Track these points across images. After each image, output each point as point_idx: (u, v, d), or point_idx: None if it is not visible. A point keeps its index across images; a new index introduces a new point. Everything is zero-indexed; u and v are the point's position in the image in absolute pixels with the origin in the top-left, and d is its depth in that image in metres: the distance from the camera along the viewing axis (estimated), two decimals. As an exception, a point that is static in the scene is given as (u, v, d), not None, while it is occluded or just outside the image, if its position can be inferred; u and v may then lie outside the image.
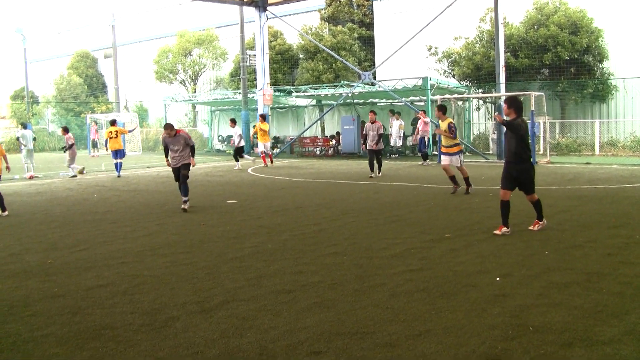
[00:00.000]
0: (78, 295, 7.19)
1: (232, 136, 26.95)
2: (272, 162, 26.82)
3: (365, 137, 20.11)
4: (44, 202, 16.63)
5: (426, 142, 26.33)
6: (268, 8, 34.55)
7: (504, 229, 9.91)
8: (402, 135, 29.73)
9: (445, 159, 15.58)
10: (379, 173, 20.39)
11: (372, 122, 19.96)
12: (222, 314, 6.29)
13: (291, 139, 35.54)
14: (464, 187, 15.44)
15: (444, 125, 15.43)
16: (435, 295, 6.73)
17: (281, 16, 36.44)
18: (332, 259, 8.61)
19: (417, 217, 12.08)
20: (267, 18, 34.93)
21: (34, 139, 26.22)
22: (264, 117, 26.79)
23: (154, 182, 20.72)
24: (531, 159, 9.99)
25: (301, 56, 40.34)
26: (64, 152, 24.29)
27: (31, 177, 23.06)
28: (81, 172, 24.55)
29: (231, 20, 42.44)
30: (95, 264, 8.83)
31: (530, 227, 10.26)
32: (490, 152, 29.78)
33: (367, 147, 20.09)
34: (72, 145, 23.78)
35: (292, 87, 36.86)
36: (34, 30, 75.02)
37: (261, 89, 34.12)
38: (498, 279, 7.29)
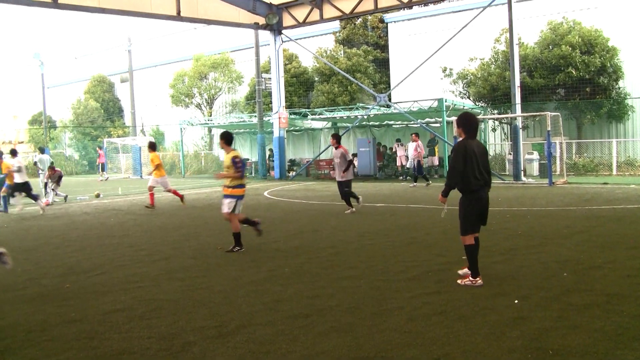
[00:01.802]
0: (95, 320, 7.19)
1: (248, 159, 26.96)
2: (182, 200, 20.52)
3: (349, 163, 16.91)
4: (61, 226, 16.71)
5: (417, 164, 25.94)
6: (283, 31, 34.75)
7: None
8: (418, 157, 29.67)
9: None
10: (358, 203, 17.41)
11: (335, 148, 16.92)
12: (240, 339, 6.26)
13: (307, 161, 35.59)
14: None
15: (227, 159, 11.68)
16: (453, 318, 6.68)
17: (296, 39, 36.65)
18: (349, 282, 8.56)
19: (434, 239, 12.02)
20: (282, 41, 35.12)
21: (52, 164, 26.38)
22: (153, 147, 21.50)
23: (170, 206, 20.78)
24: (467, 191, 8.12)
25: (316, 79, 40.51)
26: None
27: (47, 204, 23.10)
28: (97, 196, 24.65)
29: (246, 44, 42.72)
30: (112, 288, 8.84)
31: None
32: (507, 172, 29.68)
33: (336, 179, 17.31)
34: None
35: (307, 109, 36.97)
36: (52, 55, 75.86)
37: (277, 112, 34.24)
38: (516, 301, 7.22)
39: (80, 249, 12.66)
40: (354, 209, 16.99)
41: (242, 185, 11.62)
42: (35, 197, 20.88)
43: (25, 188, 20.71)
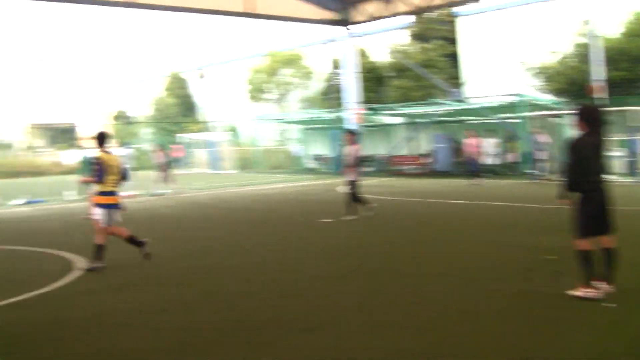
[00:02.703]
0: (183, 310, 7.41)
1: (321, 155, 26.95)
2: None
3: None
4: (145, 218, 17.16)
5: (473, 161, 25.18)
6: (354, 27, 34.68)
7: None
8: (496, 152, 29.22)
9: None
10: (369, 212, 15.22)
11: (349, 145, 15.28)
12: (325, 334, 6.30)
13: (382, 157, 35.50)
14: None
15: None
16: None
17: (367, 34, 36.50)
18: (438, 280, 8.42)
19: (521, 240, 11.78)
20: (354, 37, 35.07)
21: (134, 159, 27.08)
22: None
23: (249, 200, 21.05)
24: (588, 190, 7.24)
25: (389, 74, 40.30)
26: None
27: (130, 197, 23.68)
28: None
29: (319, 40, 42.84)
30: (197, 278, 9.10)
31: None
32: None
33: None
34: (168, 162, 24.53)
35: (381, 105, 36.83)
36: (134, 52, 77.60)
37: (351, 107, 34.25)
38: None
39: (164, 240, 12.94)
40: (355, 217, 14.90)
41: (102, 193, 10.01)
42: None
43: None
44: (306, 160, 41.04)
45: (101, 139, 10.17)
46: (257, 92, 45.59)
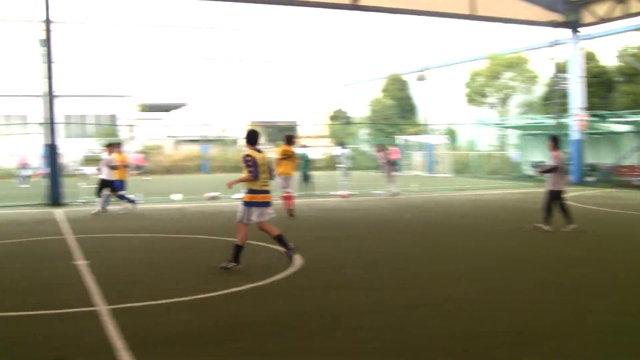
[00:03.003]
0: (398, 313, 7.50)
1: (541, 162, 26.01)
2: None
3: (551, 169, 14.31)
4: (361, 218, 17.57)
5: None
6: (582, 29, 33.11)
7: None
8: None
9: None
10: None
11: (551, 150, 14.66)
12: (544, 350, 6.12)
13: (606, 167, 33.67)
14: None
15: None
16: None
17: (596, 37, 34.70)
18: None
19: None
20: (581, 39, 33.49)
21: (351, 159, 27.74)
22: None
23: (466, 205, 20.83)
24: None
25: (618, 79, 38.04)
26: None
27: (345, 196, 24.34)
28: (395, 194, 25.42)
29: (543, 42, 41.35)
30: (415, 283, 9.15)
31: None
32: None
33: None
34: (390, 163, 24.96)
35: (607, 112, 34.88)
36: (352, 54, 79.65)
37: (575, 114, 32.77)
38: None
39: (381, 242, 13.21)
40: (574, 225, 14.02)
41: (254, 191, 10.06)
42: (121, 197, 19.53)
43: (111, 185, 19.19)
44: (525, 167, 39.88)
45: (251, 137, 10.29)
46: (476, 96, 44.91)
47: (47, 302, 8.16)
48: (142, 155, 43.65)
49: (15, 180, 35.72)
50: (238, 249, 9.97)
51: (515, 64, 43.58)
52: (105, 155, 19.50)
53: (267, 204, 10.19)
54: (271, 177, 10.41)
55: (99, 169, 19.50)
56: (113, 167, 18.97)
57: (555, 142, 14.60)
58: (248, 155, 10.00)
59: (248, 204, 10.06)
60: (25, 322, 7.32)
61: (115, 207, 19.53)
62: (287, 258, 10.46)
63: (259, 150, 10.22)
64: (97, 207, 19.09)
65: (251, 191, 10.03)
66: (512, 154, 43.37)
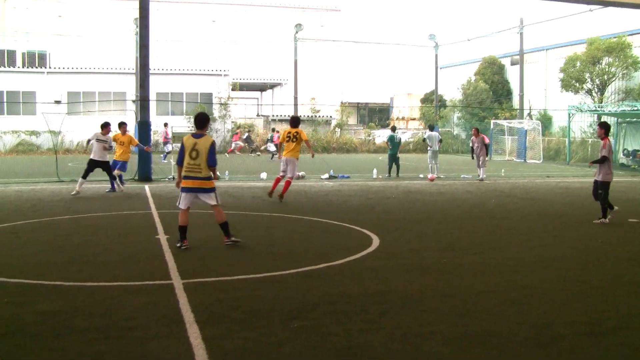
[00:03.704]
0: (468, 298, 7.41)
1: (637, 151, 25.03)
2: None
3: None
4: (444, 202, 17.41)
5: None
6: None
7: None
8: None
9: None
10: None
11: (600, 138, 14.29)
12: (613, 341, 5.97)
13: None
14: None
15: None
16: None
17: None
18: None
19: None
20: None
21: (440, 141, 27.45)
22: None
23: (552, 193, 20.33)
24: None
25: None
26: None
27: (432, 180, 24.15)
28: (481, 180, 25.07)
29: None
30: (488, 269, 9.02)
31: None
32: None
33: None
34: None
35: None
36: (446, 37, 78.65)
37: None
38: None
39: (460, 226, 13.06)
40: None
41: (183, 177, 10.13)
42: (116, 179, 18.66)
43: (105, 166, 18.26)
44: (620, 155, 38.53)
45: (198, 121, 10.23)
46: (572, 81, 43.51)
47: (126, 274, 8.47)
48: (276, 134, 45.26)
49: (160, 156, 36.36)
50: (180, 229, 10.10)
51: (616, 49, 41.89)
52: (99, 134, 18.08)
53: (192, 190, 10.09)
54: (210, 162, 9.98)
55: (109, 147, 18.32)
56: (109, 147, 18.15)
57: (606, 129, 14.00)
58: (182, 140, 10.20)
59: (181, 189, 10.19)
60: (102, 292, 7.61)
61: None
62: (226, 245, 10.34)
63: (199, 135, 10.07)
64: (76, 188, 17.78)
65: (182, 177, 10.11)
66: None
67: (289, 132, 17.03)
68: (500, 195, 19.20)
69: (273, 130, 44.92)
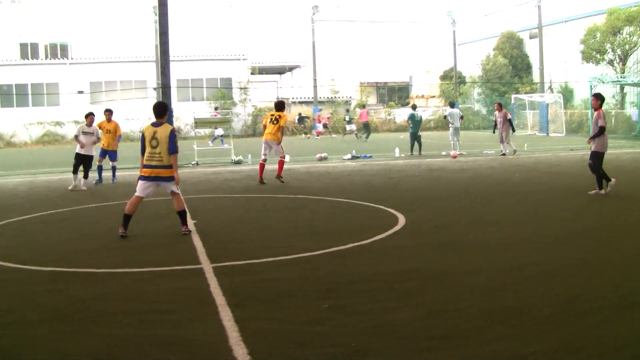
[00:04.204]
0: (493, 275, 7.45)
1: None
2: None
3: None
4: (467, 179, 17.40)
5: None
6: None
7: None
8: None
9: None
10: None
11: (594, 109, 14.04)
12: (636, 315, 5.95)
13: None
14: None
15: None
16: None
17: None
18: None
19: None
20: None
21: (461, 118, 27.38)
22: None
23: (577, 166, 20.21)
24: None
25: None
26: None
27: (455, 156, 24.16)
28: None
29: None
30: (513, 244, 9.04)
31: None
32: None
33: None
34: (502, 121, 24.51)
35: None
36: (464, 13, 77.76)
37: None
38: None
39: (484, 202, 13.09)
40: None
41: (146, 166, 10.10)
42: (86, 176, 17.34)
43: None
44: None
45: (156, 110, 10.41)
46: (593, 52, 42.99)
47: (155, 259, 8.62)
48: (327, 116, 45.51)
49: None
50: (125, 216, 10.07)
51: (637, 18, 41.28)
52: (84, 126, 17.61)
53: (151, 178, 10.09)
54: (171, 150, 9.99)
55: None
56: (97, 140, 17.65)
57: (602, 100, 13.83)
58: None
59: (140, 177, 10.22)
60: (133, 278, 7.77)
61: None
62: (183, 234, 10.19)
63: (159, 124, 10.20)
64: (73, 182, 17.13)
65: (143, 165, 10.15)
66: (631, 112, 41.50)
67: (272, 115, 17.11)
68: (524, 170, 19.15)
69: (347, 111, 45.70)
